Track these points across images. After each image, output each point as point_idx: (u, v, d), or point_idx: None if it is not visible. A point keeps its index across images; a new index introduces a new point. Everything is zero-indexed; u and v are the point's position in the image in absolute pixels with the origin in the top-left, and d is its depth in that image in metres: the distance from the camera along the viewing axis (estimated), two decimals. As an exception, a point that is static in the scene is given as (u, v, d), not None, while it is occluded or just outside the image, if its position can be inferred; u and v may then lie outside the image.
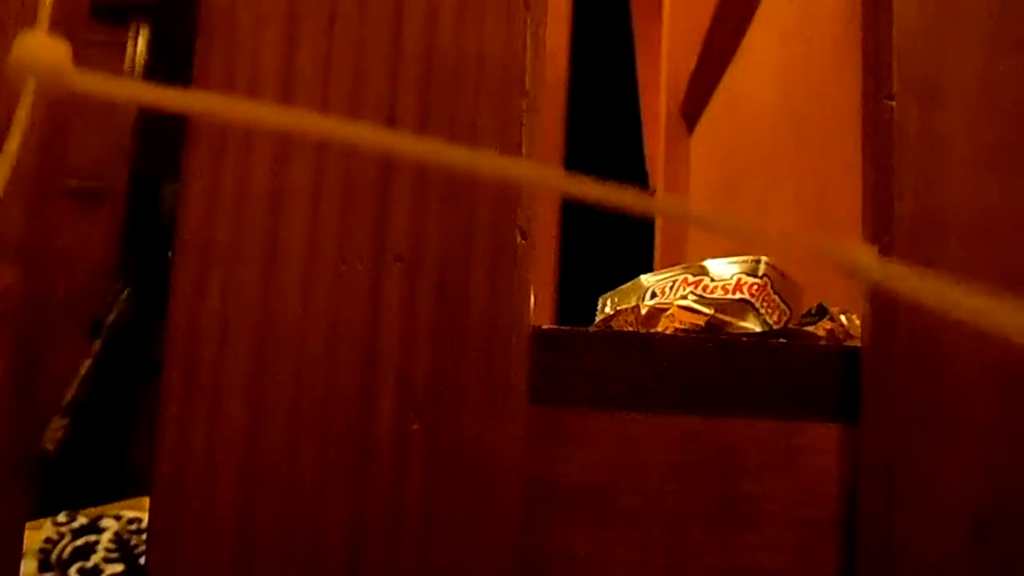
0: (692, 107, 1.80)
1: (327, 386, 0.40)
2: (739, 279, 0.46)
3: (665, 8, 1.97)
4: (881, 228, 0.40)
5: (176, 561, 0.39)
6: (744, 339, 0.43)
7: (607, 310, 0.52)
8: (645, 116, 2.39)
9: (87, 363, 2.11)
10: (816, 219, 0.92)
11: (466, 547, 0.39)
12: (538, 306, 0.42)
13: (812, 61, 0.98)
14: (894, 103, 0.40)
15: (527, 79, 0.41)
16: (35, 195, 0.41)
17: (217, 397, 0.40)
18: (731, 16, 1.39)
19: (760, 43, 1.29)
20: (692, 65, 1.70)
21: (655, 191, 2.02)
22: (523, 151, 0.41)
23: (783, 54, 1.14)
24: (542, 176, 0.22)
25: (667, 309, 0.47)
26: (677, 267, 0.50)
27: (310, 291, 0.40)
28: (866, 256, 0.16)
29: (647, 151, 2.37)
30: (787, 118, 1.08)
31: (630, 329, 0.48)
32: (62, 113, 0.42)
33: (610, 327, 0.49)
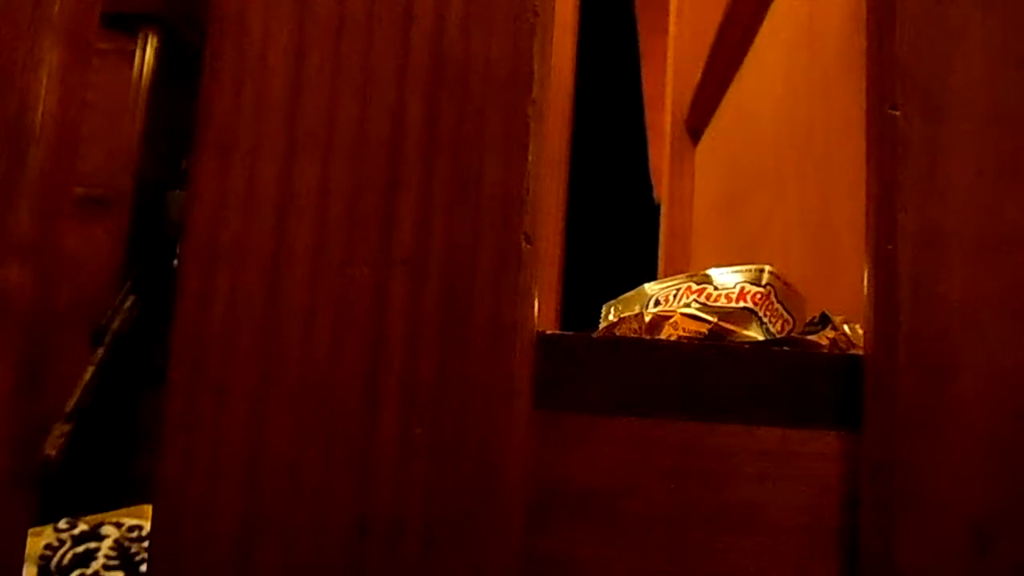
0: (697, 120, 1.81)
1: (331, 389, 0.40)
2: (742, 288, 0.46)
3: (671, 22, 1.98)
4: (885, 239, 0.40)
5: (178, 565, 0.39)
6: (746, 346, 0.43)
7: (611, 317, 0.52)
8: (650, 129, 2.40)
9: (90, 370, 2.11)
10: (820, 230, 0.92)
11: (468, 550, 0.39)
12: (542, 312, 0.42)
13: (816, 73, 0.98)
14: (898, 114, 0.41)
15: (534, 87, 0.41)
16: (45, 197, 0.41)
17: (222, 399, 0.40)
18: (736, 30, 1.40)
19: (765, 56, 1.30)
20: (697, 78, 1.71)
21: (660, 203, 2.02)
22: (529, 158, 0.41)
23: (788, 67, 1.14)
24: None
25: (670, 317, 0.47)
26: (681, 275, 0.50)
27: (315, 294, 0.40)
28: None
29: (652, 163, 2.38)
30: (791, 130, 1.09)
31: (633, 336, 0.48)
32: (72, 117, 0.43)
33: (613, 334, 0.50)
